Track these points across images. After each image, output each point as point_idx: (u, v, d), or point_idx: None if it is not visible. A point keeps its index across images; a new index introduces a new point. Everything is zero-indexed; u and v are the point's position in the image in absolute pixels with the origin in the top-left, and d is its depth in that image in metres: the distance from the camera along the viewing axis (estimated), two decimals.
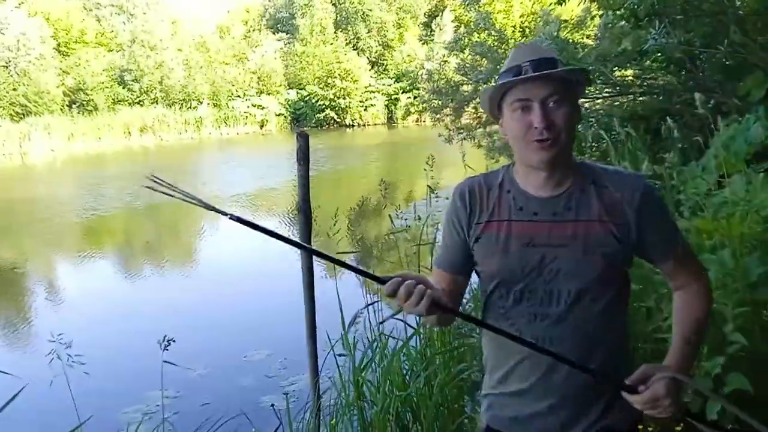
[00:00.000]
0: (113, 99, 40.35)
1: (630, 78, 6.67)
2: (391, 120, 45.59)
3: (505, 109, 1.39)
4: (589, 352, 1.37)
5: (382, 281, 1.24)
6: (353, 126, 44.67)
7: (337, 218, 3.21)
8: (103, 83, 40.19)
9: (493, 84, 1.39)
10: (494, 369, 1.50)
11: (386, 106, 46.23)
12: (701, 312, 1.44)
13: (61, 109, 38.02)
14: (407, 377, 2.96)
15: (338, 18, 50.39)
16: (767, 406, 2.34)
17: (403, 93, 45.63)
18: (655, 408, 1.28)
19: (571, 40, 6.92)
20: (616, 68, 6.36)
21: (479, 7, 9.60)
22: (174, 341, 2.38)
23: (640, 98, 6.43)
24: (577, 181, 1.39)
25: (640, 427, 2.56)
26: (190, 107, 42.06)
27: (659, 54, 5.57)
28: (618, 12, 5.72)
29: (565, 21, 8.18)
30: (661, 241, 1.41)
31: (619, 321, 1.45)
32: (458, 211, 1.46)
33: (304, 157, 2.92)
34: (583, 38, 7.84)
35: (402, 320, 3.33)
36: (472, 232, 1.44)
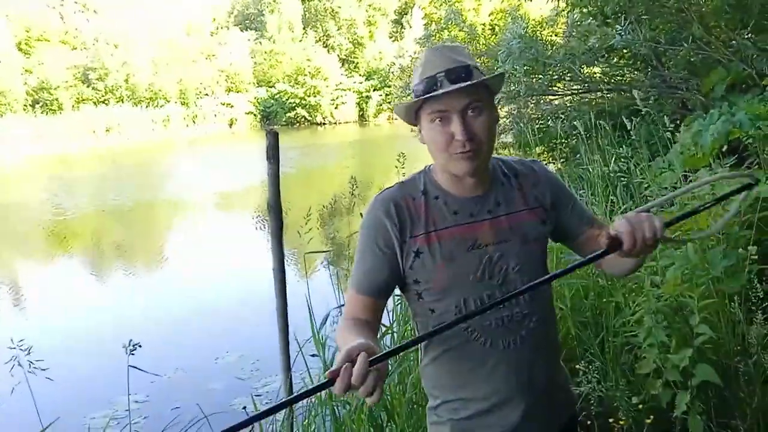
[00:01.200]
0: (78, 98, 39.54)
1: (598, 75, 6.77)
2: (362, 118, 45.55)
3: (423, 119, 1.34)
4: (550, 336, 1.46)
5: (330, 384, 0.99)
6: (324, 124, 44.51)
7: (309, 217, 3.17)
8: (67, 82, 39.33)
9: (408, 100, 1.35)
10: (458, 392, 1.41)
11: (358, 104, 46.21)
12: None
13: (24, 109, 37.12)
14: None
15: (307, 15, 50.11)
16: (735, 397, 2.40)
17: (374, 91, 45.65)
18: (638, 238, 1.18)
19: (539, 38, 6.98)
20: (585, 65, 6.44)
21: (449, 4, 9.63)
22: (140, 346, 2.32)
23: (608, 95, 6.52)
24: (496, 176, 1.41)
25: (611, 420, 2.60)
26: (157, 106, 41.42)
27: (626, 51, 5.66)
28: (585, 10, 5.80)
29: (533, 20, 8.26)
30: (575, 212, 1.46)
31: (552, 303, 1.52)
32: (383, 228, 1.35)
33: (274, 154, 2.87)
34: (552, 35, 7.92)
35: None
36: (407, 248, 1.34)
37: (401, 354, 3.14)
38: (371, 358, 0.99)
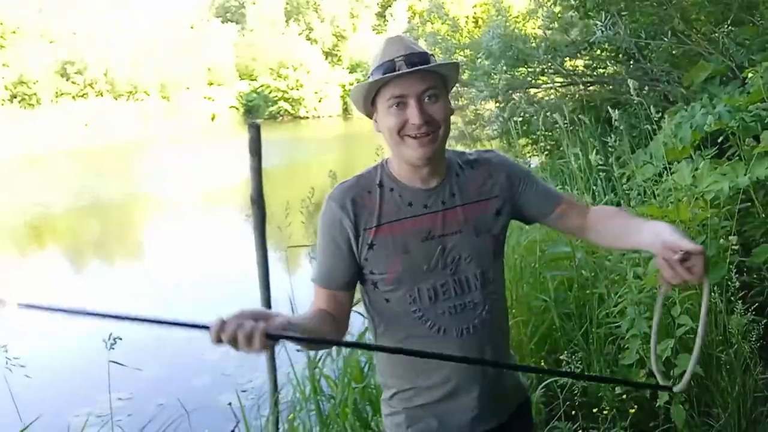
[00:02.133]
0: (57, 92, 38.96)
1: (580, 68, 6.79)
2: (346, 111, 45.39)
3: (380, 106, 1.36)
4: (502, 325, 1.49)
5: (205, 327, 1.11)
6: (308, 118, 44.30)
7: (289, 211, 3.15)
8: (46, 76, 38.69)
9: (366, 81, 1.36)
10: (412, 381, 1.44)
11: (341, 97, 46.04)
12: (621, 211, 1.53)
13: (1, 103, 36.52)
14: (365, 369, 2.94)
15: (289, 8, 49.78)
16: (717, 386, 2.43)
17: (358, 84, 45.60)
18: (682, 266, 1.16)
19: (521, 32, 6.99)
20: (567, 58, 6.47)
21: None
22: (120, 339, 2.28)
23: (590, 87, 6.55)
24: (452, 167, 1.42)
25: (595, 410, 2.63)
26: (137, 100, 40.95)
27: (607, 44, 5.69)
28: (566, 3, 5.81)
29: (516, 15, 8.27)
30: (539, 192, 1.46)
31: (503, 293, 1.53)
32: (339, 221, 1.37)
33: (256, 148, 2.85)
34: (534, 29, 7.94)
35: (359, 313, 3.30)
36: (362, 240, 1.37)
37: None
38: (271, 334, 1.10)
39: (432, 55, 1.35)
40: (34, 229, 12.18)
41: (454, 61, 1.50)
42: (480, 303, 1.39)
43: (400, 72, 1.29)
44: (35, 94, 37.92)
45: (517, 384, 1.55)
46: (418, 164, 1.35)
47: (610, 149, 4.07)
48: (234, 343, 1.11)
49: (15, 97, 37.65)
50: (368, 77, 1.37)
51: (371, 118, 1.43)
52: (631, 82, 3.40)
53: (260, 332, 1.09)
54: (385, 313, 1.42)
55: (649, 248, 1.25)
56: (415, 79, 1.30)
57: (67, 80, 39.89)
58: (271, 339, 1.10)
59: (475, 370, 1.40)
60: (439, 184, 1.40)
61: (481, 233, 1.39)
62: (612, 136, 4.30)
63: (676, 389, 1.33)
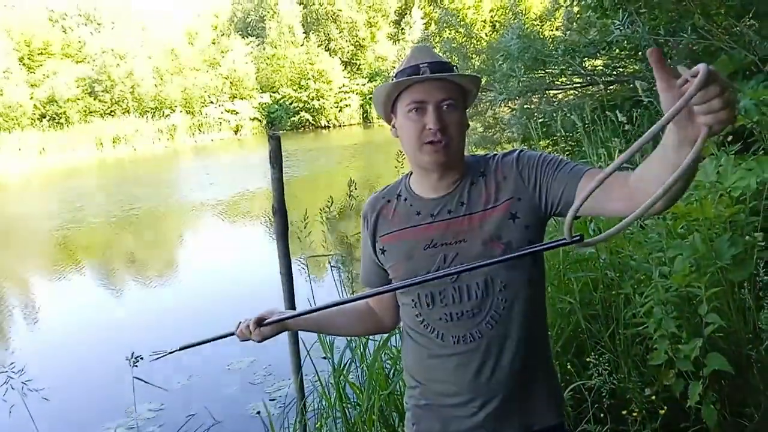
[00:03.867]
0: (85, 111, 39.80)
1: (600, 67, 6.74)
2: (366, 120, 45.53)
3: (399, 110, 1.40)
4: (505, 339, 1.38)
5: (232, 334, 1.60)
6: (329, 127, 44.53)
7: (308, 220, 3.17)
8: (75, 95, 39.53)
9: (390, 82, 1.39)
10: (417, 379, 1.48)
11: (361, 105, 46.20)
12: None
13: (31, 124, 37.40)
14: (390, 376, 2.95)
15: (308, 19, 50.21)
16: (749, 385, 2.39)
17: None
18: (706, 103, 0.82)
19: (539, 35, 6.97)
20: (586, 58, 6.42)
21: (448, 3, 9.62)
22: (141, 358, 2.34)
23: (611, 87, 6.49)
24: (466, 176, 1.42)
25: (624, 412, 2.59)
26: (162, 116, 41.63)
27: (627, 43, 5.63)
28: (584, 3, 5.78)
29: (534, 17, 8.25)
30: (561, 177, 1.31)
31: (535, 304, 1.42)
32: (364, 228, 1.53)
33: (276, 159, 2.89)
34: (552, 30, 7.91)
35: None
36: (377, 246, 1.49)
37: None
38: (266, 322, 1.55)
39: (456, 66, 1.38)
40: (65, 242, 12.43)
41: (477, 75, 1.51)
42: (481, 311, 1.37)
43: (424, 76, 1.32)
44: (64, 113, 38.75)
45: (544, 404, 1.44)
46: (430, 169, 1.38)
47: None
48: (243, 335, 1.59)
49: (44, 117, 38.54)
50: (391, 80, 1.40)
51: (389, 122, 1.46)
52: (638, 83, 3.36)
53: (253, 322, 1.55)
54: (402, 312, 1.53)
55: (678, 132, 0.91)
56: (437, 87, 1.33)
57: (94, 99, 40.69)
58: (259, 324, 1.55)
59: (478, 382, 1.38)
60: (448, 192, 1.41)
61: (489, 242, 1.35)
62: (635, 134, 4.26)
63: (586, 241, 1.03)
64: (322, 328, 1.71)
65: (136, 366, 2.32)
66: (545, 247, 1.29)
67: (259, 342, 1.56)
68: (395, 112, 1.42)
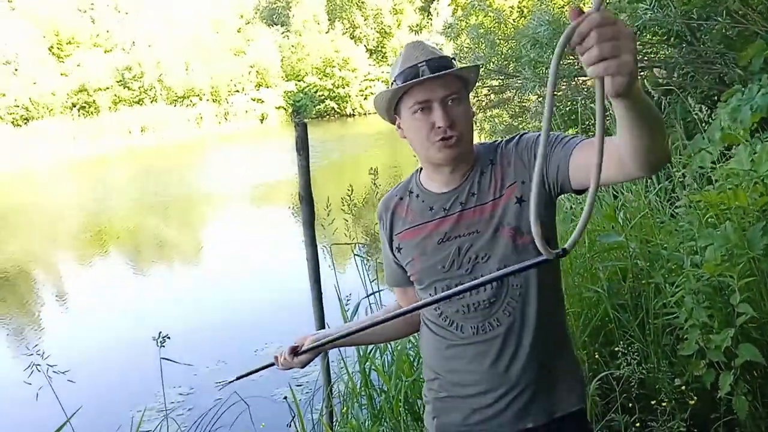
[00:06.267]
0: (114, 99, 40.43)
1: None
2: None
3: (404, 112, 1.38)
4: (523, 326, 1.37)
5: (272, 364, 1.61)
6: (354, 115, 44.54)
7: (330, 208, 3.17)
8: (104, 84, 40.14)
9: (390, 87, 1.38)
10: (437, 370, 1.48)
11: None
12: None
13: (61, 112, 38.11)
14: (414, 364, 2.96)
15: (332, 7, 50.13)
16: None
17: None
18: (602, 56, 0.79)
19: (569, 21, 6.84)
20: None
21: None
22: (169, 337, 2.38)
23: (641, 73, 6.37)
24: (477, 166, 1.41)
25: (653, 402, 2.57)
26: (190, 104, 42.07)
27: (659, 28, 5.51)
28: None
29: (562, 3, 8.11)
30: (558, 154, 1.28)
31: (549, 289, 1.42)
32: (381, 227, 1.52)
33: (303, 146, 2.90)
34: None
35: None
36: (394, 245, 1.49)
37: None
38: (304, 348, 1.52)
39: (453, 58, 1.37)
40: (97, 230, 12.68)
41: (474, 65, 1.49)
42: (498, 300, 1.37)
43: (424, 77, 1.31)
44: (94, 101, 39.40)
45: (566, 390, 1.44)
46: (443, 164, 1.38)
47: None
48: (286, 365, 1.57)
49: (75, 106, 39.22)
50: (391, 84, 1.39)
51: (394, 124, 1.45)
52: (656, 71, 3.27)
53: (287, 352, 1.54)
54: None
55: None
56: (439, 84, 1.32)
57: (124, 87, 41.28)
58: (295, 353, 1.53)
59: (496, 372, 1.38)
60: (459, 184, 1.41)
61: (499, 229, 1.35)
62: (666, 121, 4.17)
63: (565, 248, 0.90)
64: (356, 343, 1.78)
65: (163, 346, 2.36)
66: (527, 265, 1.14)
67: (302, 368, 1.59)
68: (399, 113, 1.41)
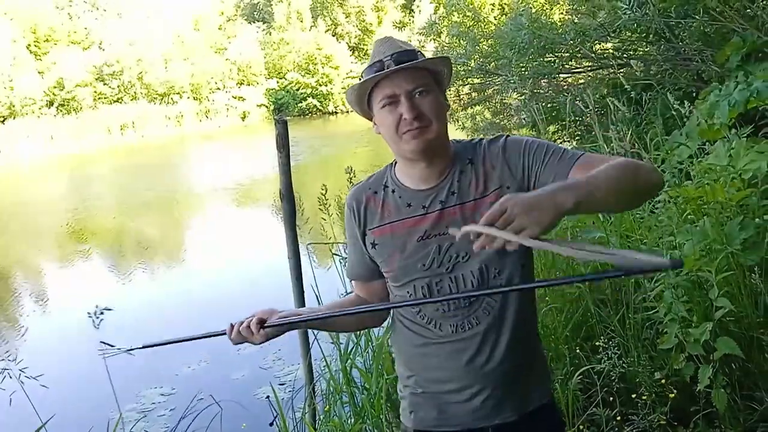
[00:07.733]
0: (94, 97, 39.88)
1: (610, 51, 6.66)
2: None
3: (375, 107, 1.39)
4: (502, 325, 1.39)
5: (223, 333, 1.43)
6: (336, 113, 44.40)
7: (302, 207, 3.15)
8: (83, 81, 39.55)
9: (358, 81, 1.38)
10: (412, 367, 1.48)
11: None
12: (623, 161, 1.24)
13: (40, 110, 37.54)
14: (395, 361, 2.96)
15: (315, 4, 49.95)
16: (759, 369, 2.38)
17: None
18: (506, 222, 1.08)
19: (548, 19, 6.87)
20: (596, 41, 6.34)
21: None
22: (109, 309, 2.32)
23: (621, 70, 6.42)
24: (456, 165, 1.40)
25: (634, 396, 2.59)
26: (170, 102, 41.65)
27: (636, 26, 5.56)
28: None
29: (542, 1, 8.14)
30: (551, 164, 1.32)
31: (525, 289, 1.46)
32: (351, 221, 1.48)
33: (284, 143, 2.88)
34: (561, 14, 7.80)
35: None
36: (368, 240, 1.45)
37: None
38: (267, 325, 1.38)
39: (420, 52, 1.37)
40: (76, 228, 12.51)
41: (443, 56, 1.48)
42: (478, 299, 1.37)
43: (389, 70, 1.31)
44: (74, 98, 38.81)
45: (537, 385, 1.48)
46: (414, 158, 1.37)
47: (643, 131, 3.98)
48: (241, 337, 1.40)
49: (53, 104, 38.62)
50: (359, 79, 1.39)
51: (370, 119, 1.45)
52: (633, 63, 3.31)
53: (254, 322, 1.38)
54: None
55: None
56: (404, 78, 1.33)
57: (104, 84, 40.70)
58: (268, 328, 1.38)
59: (473, 368, 1.39)
60: (438, 182, 1.39)
61: None
62: (645, 118, 4.21)
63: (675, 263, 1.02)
64: (322, 328, 1.77)
65: (102, 320, 2.28)
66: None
67: (258, 344, 1.42)
68: (371, 108, 1.41)
